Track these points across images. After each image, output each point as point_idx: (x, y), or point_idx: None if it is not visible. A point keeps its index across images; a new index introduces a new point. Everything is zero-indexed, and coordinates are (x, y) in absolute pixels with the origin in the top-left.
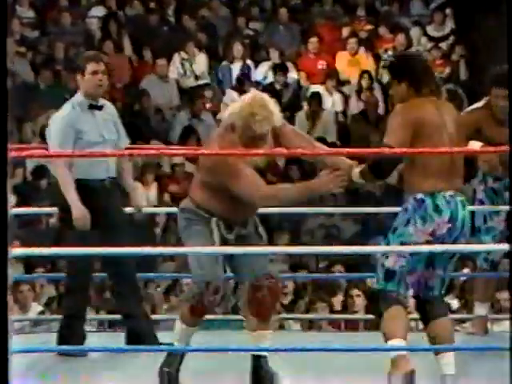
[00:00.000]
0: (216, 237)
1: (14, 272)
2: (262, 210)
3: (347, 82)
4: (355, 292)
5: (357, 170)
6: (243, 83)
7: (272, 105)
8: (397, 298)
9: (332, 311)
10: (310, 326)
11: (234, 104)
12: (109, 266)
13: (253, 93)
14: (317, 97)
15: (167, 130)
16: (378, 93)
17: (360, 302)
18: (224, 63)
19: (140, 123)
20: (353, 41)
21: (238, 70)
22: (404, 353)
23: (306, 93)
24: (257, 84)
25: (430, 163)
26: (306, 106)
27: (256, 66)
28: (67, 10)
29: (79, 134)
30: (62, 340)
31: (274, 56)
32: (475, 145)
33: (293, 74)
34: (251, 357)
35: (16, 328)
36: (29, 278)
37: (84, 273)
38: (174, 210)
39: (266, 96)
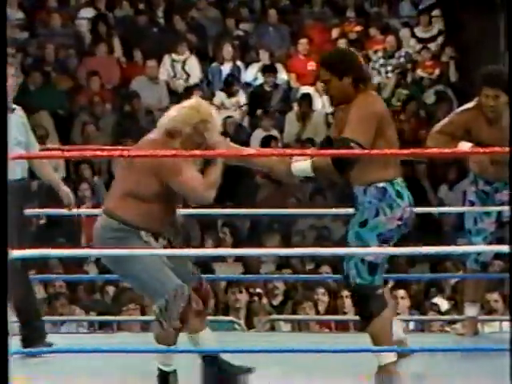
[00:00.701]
0: (155, 245)
1: None
2: (253, 212)
3: None
4: (345, 293)
5: (305, 162)
6: (233, 84)
7: (217, 114)
8: (384, 297)
9: (319, 312)
10: (299, 327)
11: (172, 110)
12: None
13: (197, 100)
14: (307, 98)
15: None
16: None
17: (349, 303)
18: (214, 64)
19: (130, 124)
20: (342, 42)
21: (227, 71)
22: (393, 358)
23: (296, 94)
24: (246, 85)
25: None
26: (296, 107)
27: (246, 68)
28: (56, 11)
29: None
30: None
31: (264, 57)
32: (465, 146)
33: (283, 75)
34: (207, 359)
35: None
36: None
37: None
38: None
39: (209, 105)
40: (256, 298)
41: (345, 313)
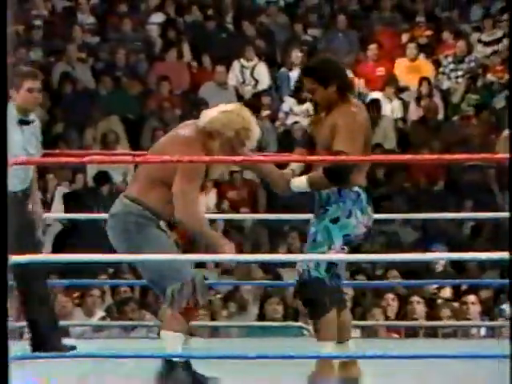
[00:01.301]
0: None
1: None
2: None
3: (406, 89)
4: (415, 299)
5: (301, 178)
6: (301, 90)
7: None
8: (338, 297)
9: (388, 318)
10: (368, 333)
11: (213, 111)
12: (18, 274)
13: (240, 106)
14: (376, 103)
15: None
16: (437, 99)
17: (421, 308)
18: (282, 70)
19: None
20: (412, 46)
21: (296, 77)
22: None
23: (365, 99)
24: None
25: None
26: None
27: None
28: (127, 16)
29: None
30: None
31: None
32: None
33: None
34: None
35: (78, 333)
36: (95, 284)
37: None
38: (232, 216)
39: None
40: None
41: (415, 319)
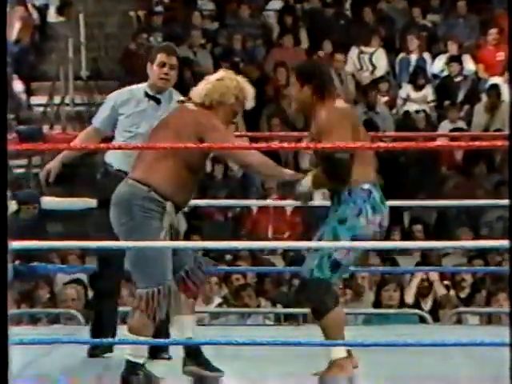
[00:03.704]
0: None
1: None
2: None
3: None
4: None
5: (307, 178)
6: (420, 76)
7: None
8: (337, 295)
9: None
10: (489, 319)
11: (202, 86)
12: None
13: (227, 72)
14: (496, 89)
15: None
16: None
17: None
18: (401, 56)
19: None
20: None
21: (414, 63)
22: (345, 354)
23: (485, 85)
24: (434, 77)
25: (369, 156)
26: (484, 98)
27: (433, 59)
28: (245, 2)
29: (119, 116)
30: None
31: (452, 48)
32: None
33: (470, 66)
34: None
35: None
36: (217, 271)
37: (113, 266)
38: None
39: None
40: (444, 291)
41: None
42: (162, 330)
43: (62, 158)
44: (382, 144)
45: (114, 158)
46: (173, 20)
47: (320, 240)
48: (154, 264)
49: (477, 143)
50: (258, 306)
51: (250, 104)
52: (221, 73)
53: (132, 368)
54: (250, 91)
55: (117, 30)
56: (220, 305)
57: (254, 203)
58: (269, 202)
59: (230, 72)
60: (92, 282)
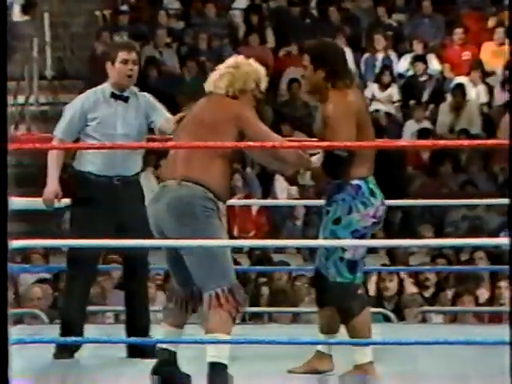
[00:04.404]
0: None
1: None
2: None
3: (492, 73)
4: (503, 284)
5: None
6: (385, 76)
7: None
8: (364, 296)
9: (478, 304)
10: (454, 318)
11: (221, 75)
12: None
13: (237, 58)
14: (461, 88)
15: (311, 124)
16: None
17: (508, 294)
18: (366, 55)
19: (287, 114)
20: (500, 31)
21: (380, 62)
22: (371, 358)
23: (450, 84)
24: (399, 76)
25: (370, 152)
26: (449, 97)
27: (399, 58)
28: (211, 1)
29: (90, 122)
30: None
31: (418, 48)
32: None
33: (435, 66)
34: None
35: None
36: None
37: (85, 265)
38: (314, 202)
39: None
40: (408, 290)
41: (501, 304)
42: (77, 327)
43: (56, 174)
44: (347, 143)
45: (93, 166)
46: (138, 19)
47: (326, 248)
48: (222, 262)
49: (442, 142)
50: None
51: (264, 86)
52: (234, 60)
53: (219, 369)
54: (263, 72)
55: (82, 30)
56: None
57: None
58: (234, 201)
59: (241, 57)
60: (65, 281)
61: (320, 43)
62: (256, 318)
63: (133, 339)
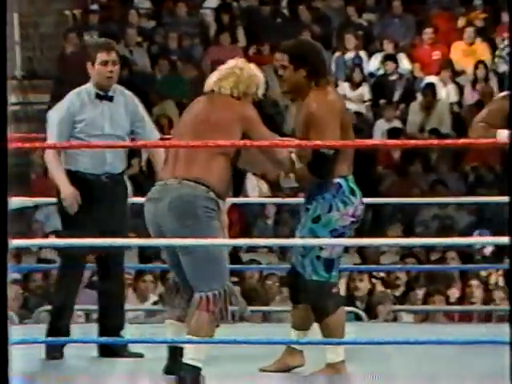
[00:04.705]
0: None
1: (130, 262)
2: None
3: (462, 73)
4: (474, 283)
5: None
6: (356, 75)
7: None
8: (339, 294)
9: (448, 303)
10: (425, 317)
11: (225, 74)
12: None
13: (239, 61)
14: (431, 87)
15: (282, 123)
16: (493, 83)
17: (479, 293)
18: (337, 54)
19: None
20: (470, 30)
21: (350, 62)
22: (343, 357)
23: (420, 84)
24: (370, 75)
25: (346, 150)
26: (420, 97)
27: (369, 58)
28: (183, 0)
29: (77, 124)
30: (50, 332)
31: (388, 47)
32: (504, 134)
33: (406, 65)
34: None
35: (130, 317)
36: (149, 268)
37: (77, 263)
38: (286, 201)
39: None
40: (379, 288)
41: (472, 303)
42: (63, 328)
43: (64, 176)
44: (318, 143)
45: (82, 164)
46: (109, 18)
47: (303, 246)
48: (218, 265)
49: (412, 142)
50: None
51: (261, 92)
52: (236, 62)
53: (192, 372)
54: (262, 79)
55: (52, 29)
56: (156, 303)
57: None
58: None
59: (242, 60)
60: (57, 279)
61: (298, 43)
62: None
63: (105, 339)
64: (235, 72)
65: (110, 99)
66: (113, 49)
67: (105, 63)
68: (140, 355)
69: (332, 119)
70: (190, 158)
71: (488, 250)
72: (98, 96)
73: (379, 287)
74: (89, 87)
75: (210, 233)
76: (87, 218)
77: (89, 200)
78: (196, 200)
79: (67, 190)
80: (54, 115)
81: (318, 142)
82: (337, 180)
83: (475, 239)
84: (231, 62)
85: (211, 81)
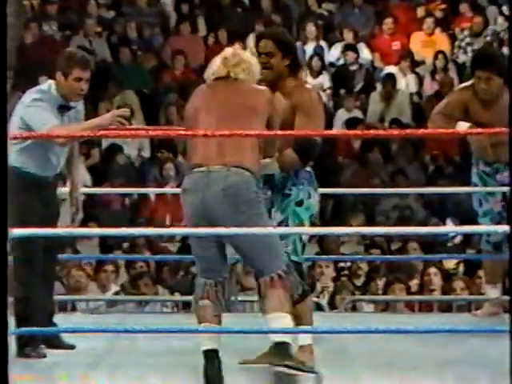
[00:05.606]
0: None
1: (91, 252)
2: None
3: (422, 63)
4: (432, 270)
5: (270, 161)
6: (316, 64)
7: None
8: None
9: (409, 293)
10: (385, 307)
11: (242, 61)
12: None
13: (237, 47)
14: (391, 78)
15: None
16: (452, 73)
17: (437, 281)
18: (298, 44)
19: None
20: (429, 21)
21: (311, 51)
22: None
23: (380, 74)
24: (330, 65)
25: None
26: (379, 87)
27: (329, 47)
28: None
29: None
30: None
31: (348, 37)
32: (463, 126)
33: (366, 55)
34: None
35: (91, 307)
36: (110, 258)
37: (32, 254)
38: None
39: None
40: (341, 279)
41: (431, 290)
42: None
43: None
44: (279, 132)
45: (31, 167)
46: (68, 8)
47: (286, 226)
48: (277, 243)
49: (372, 132)
50: (156, 294)
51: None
52: (236, 49)
53: (283, 347)
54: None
55: (10, 20)
56: (117, 293)
57: (151, 191)
58: (166, 189)
59: (239, 47)
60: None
61: (282, 30)
62: (189, 307)
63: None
64: (247, 59)
65: (69, 109)
66: (89, 66)
67: (79, 80)
68: (72, 347)
69: (321, 109)
70: (237, 144)
71: (458, 239)
72: (60, 107)
73: (342, 277)
74: (55, 95)
75: (264, 217)
76: (36, 216)
77: (39, 199)
78: (249, 186)
79: (105, 117)
80: (35, 106)
81: (303, 132)
82: (308, 168)
83: (435, 229)
84: (233, 49)
85: (221, 66)
